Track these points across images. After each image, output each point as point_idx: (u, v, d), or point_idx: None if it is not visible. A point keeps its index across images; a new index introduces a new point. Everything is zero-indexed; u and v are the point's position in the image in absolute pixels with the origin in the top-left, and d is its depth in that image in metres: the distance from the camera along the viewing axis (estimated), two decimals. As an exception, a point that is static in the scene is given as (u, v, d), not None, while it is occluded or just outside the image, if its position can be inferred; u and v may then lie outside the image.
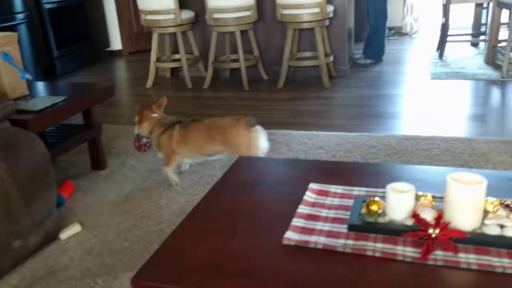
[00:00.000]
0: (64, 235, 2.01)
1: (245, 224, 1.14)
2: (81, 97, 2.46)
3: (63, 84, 3.02)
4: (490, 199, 1.06)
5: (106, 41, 6.01)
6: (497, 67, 4.17)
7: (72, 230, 2.04)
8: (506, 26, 4.51)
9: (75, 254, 1.89)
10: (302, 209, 1.20)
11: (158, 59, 4.48)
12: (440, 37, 4.85)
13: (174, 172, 2.46)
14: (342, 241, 1.06)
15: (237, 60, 4.22)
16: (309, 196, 1.26)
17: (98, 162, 2.67)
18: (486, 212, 1.05)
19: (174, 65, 4.46)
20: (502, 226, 1.02)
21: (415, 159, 2.50)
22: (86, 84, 2.74)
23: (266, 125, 3.16)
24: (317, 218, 1.16)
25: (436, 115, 3.18)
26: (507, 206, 1.06)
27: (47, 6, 4.86)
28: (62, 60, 5.12)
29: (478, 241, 1.00)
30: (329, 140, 2.87)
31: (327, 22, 4.02)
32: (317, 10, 3.80)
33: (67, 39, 5.17)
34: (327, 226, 1.12)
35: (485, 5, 4.87)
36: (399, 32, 6.06)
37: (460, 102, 3.42)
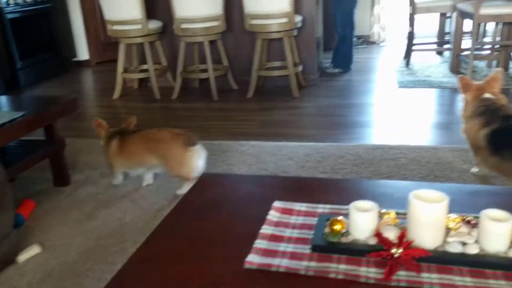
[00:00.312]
0: (22, 257, 1.92)
1: (206, 248, 1.11)
2: (42, 111, 2.38)
3: (25, 97, 2.91)
4: (452, 216, 1.05)
5: (72, 51, 5.88)
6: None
7: (31, 252, 1.95)
8: (469, 35, 4.62)
9: (34, 278, 1.81)
10: (265, 229, 1.17)
11: (126, 70, 4.40)
12: (407, 45, 4.94)
13: (120, 180, 2.55)
14: (305, 263, 1.03)
15: (206, 70, 4.18)
16: (272, 215, 1.23)
17: (60, 179, 2.58)
18: (448, 230, 1.04)
19: (141, 75, 4.39)
20: (464, 244, 1.01)
21: (383, 169, 2.52)
22: (49, 98, 2.66)
23: (236, 136, 3.16)
24: (280, 239, 1.13)
25: (403, 124, 3.21)
26: (468, 222, 1.06)
27: (10, 16, 4.72)
28: (26, 71, 4.97)
29: (441, 259, 0.99)
30: (298, 150, 2.86)
31: (295, 32, 4.03)
32: (285, 20, 3.81)
33: (31, 49, 5.03)
34: (290, 247, 1.10)
35: (448, 14, 4.98)
36: (367, 41, 6.14)
37: (426, 110, 3.48)
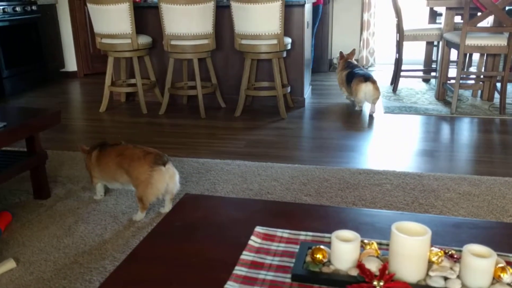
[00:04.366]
0: (-5, 272, 1.86)
1: (184, 273, 1.08)
2: (24, 123, 2.34)
3: (8, 107, 2.86)
4: (435, 249, 1.04)
5: (60, 62, 5.84)
6: (447, 103, 4.32)
7: (5, 267, 1.89)
8: (455, 64, 4.71)
9: (6, 295, 1.75)
10: (246, 255, 1.15)
11: (113, 83, 4.38)
12: (394, 71, 5.01)
13: (101, 195, 2.54)
14: (285, 293, 1.01)
15: (194, 87, 4.18)
16: (254, 241, 1.21)
17: (40, 191, 2.53)
18: (430, 263, 1.03)
19: (129, 89, 4.37)
20: (446, 278, 1.00)
21: (367, 194, 2.52)
22: (32, 109, 2.61)
23: (222, 155, 3.15)
24: (260, 266, 1.11)
25: (389, 149, 3.23)
26: (451, 256, 1.05)
27: (-2, 24, 4.69)
28: (12, 80, 4.92)
29: (422, 293, 0.98)
30: (284, 172, 2.85)
31: (284, 54, 4.06)
32: (274, 42, 3.84)
33: (18, 58, 4.99)
34: (270, 275, 1.07)
35: (435, 43, 5.08)
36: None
37: (412, 136, 3.51)
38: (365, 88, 4.00)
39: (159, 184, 2.20)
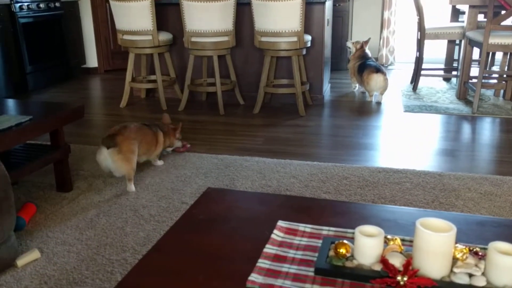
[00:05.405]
0: (21, 262, 1.90)
1: (208, 265, 1.09)
2: (48, 117, 2.38)
3: (32, 102, 2.91)
4: (459, 246, 1.04)
5: (82, 58, 5.93)
6: (468, 103, 4.27)
7: (30, 257, 1.94)
8: (477, 63, 4.64)
9: (31, 284, 1.79)
10: (269, 248, 1.16)
11: (134, 79, 4.43)
12: (414, 70, 4.96)
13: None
14: (308, 286, 1.02)
15: (213, 84, 4.20)
16: (276, 234, 1.22)
17: (63, 185, 2.58)
18: (455, 260, 1.03)
19: (149, 86, 4.42)
20: (470, 275, 1.00)
21: (387, 193, 2.50)
22: (56, 104, 2.66)
23: (240, 151, 3.16)
24: (283, 259, 1.12)
25: (409, 148, 3.21)
26: (476, 253, 1.05)
27: (22, 20, 4.78)
28: (35, 75, 5.01)
29: (446, 290, 0.98)
30: (302, 169, 2.85)
31: (304, 51, 4.06)
32: (294, 39, 3.83)
33: (41, 54, 5.08)
34: (293, 269, 1.08)
35: (457, 41, 5.01)
36: (375, 63, 6.19)
37: (432, 136, 3.47)
38: (377, 79, 4.36)
39: (100, 162, 2.55)
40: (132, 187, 2.59)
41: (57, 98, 4.80)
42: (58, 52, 5.35)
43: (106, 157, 2.50)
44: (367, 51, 4.75)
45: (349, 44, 4.88)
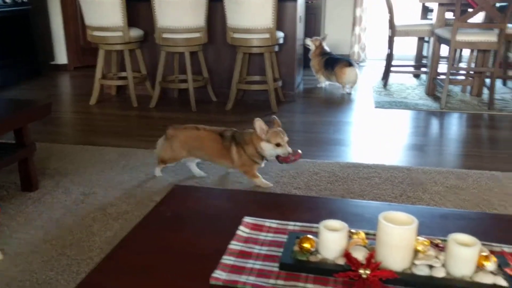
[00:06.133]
0: (-18, 264, 1.85)
1: (172, 262, 1.08)
2: (13, 114, 2.32)
3: (-3, 98, 2.85)
4: (421, 238, 1.05)
5: (50, 54, 5.79)
6: (437, 99, 4.35)
7: (-8, 259, 1.88)
8: (445, 60, 4.74)
9: (-7, 286, 1.74)
10: (234, 245, 1.15)
11: (104, 76, 4.35)
12: (385, 67, 5.02)
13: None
14: (272, 281, 1.02)
15: (185, 81, 4.16)
16: (242, 230, 1.21)
17: (28, 184, 2.51)
18: (416, 252, 1.04)
19: (120, 82, 4.34)
20: (431, 267, 1.01)
21: (356, 187, 2.53)
22: (21, 101, 2.59)
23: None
24: (248, 255, 1.12)
25: (379, 143, 3.25)
26: (436, 245, 1.06)
27: (-13, 15, 4.63)
28: (2, 72, 4.87)
29: (408, 282, 0.99)
30: (273, 165, 2.85)
31: (276, 48, 4.06)
32: (267, 36, 3.83)
33: (7, 50, 4.93)
34: (258, 264, 1.08)
35: (426, 39, 5.10)
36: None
37: (402, 131, 3.52)
38: (350, 72, 4.51)
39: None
40: (156, 171, 2.71)
41: (24, 95, 4.67)
42: (25, 49, 5.21)
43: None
44: (326, 47, 4.87)
45: (308, 41, 4.92)
